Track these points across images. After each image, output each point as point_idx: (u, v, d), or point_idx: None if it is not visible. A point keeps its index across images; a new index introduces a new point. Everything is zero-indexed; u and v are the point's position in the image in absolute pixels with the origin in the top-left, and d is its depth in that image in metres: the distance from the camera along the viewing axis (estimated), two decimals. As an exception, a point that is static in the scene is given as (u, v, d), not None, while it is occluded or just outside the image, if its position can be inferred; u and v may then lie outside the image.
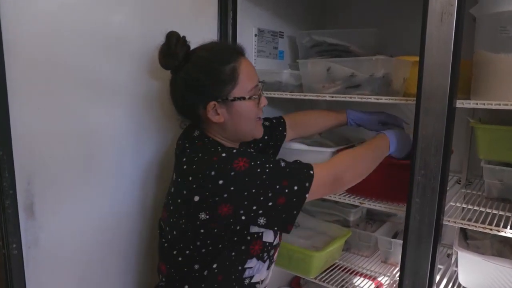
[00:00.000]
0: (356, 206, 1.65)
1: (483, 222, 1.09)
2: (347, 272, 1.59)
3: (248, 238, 1.02)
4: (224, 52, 1.03)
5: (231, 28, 1.37)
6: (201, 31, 1.30)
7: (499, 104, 0.96)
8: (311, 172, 0.98)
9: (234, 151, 0.95)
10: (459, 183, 1.53)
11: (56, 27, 0.98)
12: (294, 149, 1.44)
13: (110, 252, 1.20)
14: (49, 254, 1.03)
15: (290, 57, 1.69)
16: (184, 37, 1.02)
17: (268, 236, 1.07)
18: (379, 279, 1.58)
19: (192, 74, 1.00)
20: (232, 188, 0.91)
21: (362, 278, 1.59)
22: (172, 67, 1.02)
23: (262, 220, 0.95)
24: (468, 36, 1.04)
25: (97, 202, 1.13)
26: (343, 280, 1.53)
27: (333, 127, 1.41)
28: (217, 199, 0.92)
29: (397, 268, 1.53)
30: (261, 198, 0.93)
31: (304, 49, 1.54)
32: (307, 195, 0.97)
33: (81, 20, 1.02)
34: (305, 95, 1.36)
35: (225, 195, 0.92)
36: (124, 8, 1.10)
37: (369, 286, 1.56)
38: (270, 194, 0.93)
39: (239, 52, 1.04)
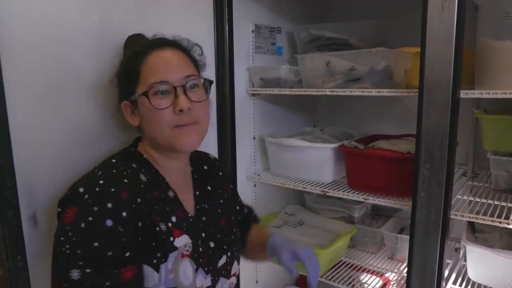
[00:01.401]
0: (361, 202, 1.62)
1: (491, 215, 1.06)
2: (353, 269, 1.56)
3: None
4: (140, 46, 0.90)
5: (227, 25, 1.34)
6: (196, 28, 1.28)
7: (505, 93, 0.94)
8: None
9: (86, 196, 0.77)
10: (465, 176, 1.50)
11: (51, 29, 0.95)
12: (295, 146, 1.42)
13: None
14: None
15: (288, 52, 1.66)
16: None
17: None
18: (386, 275, 1.56)
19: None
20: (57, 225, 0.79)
21: (369, 275, 1.56)
22: None
23: None
24: (469, 24, 1.01)
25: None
26: (350, 277, 1.51)
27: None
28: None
29: (405, 264, 1.51)
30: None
31: (303, 44, 1.52)
32: None
33: (75, 20, 0.99)
34: (305, 91, 1.34)
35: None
36: (117, 5, 1.07)
37: (377, 282, 1.54)
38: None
39: (158, 45, 0.88)
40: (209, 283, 0.91)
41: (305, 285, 1.84)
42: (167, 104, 0.84)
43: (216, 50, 1.34)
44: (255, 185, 1.59)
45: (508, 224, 1.01)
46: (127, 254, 0.78)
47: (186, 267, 0.86)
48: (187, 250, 0.87)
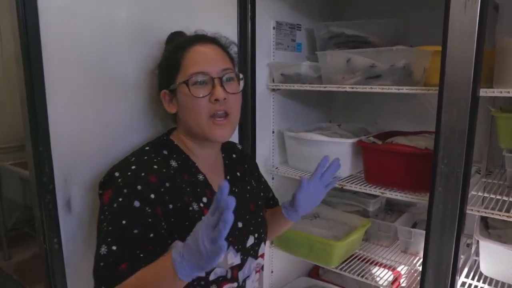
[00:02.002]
0: (375, 197, 1.66)
1: (507, 211, 1.08)
2: (367, 262, 1.60)
3: None
4: (182, 41, 0.97)
5: (250, 21, 1.38)
6: (220, 25, 1.30)
7: (525, 92, 0.96)
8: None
9: (120, 180, 0.85)
10: (479, 173, 1.52)
11: (89, 25, 0.99)
12: (314, 140, 1.45)
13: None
14: (86, 249, 1.04)
15: (307, 49, 1.69)
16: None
17: None
18: (399, 268, 1.59)
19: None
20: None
21: (382, 268, 1.60)
22: None
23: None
24: (488, 24, 1.04)
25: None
26: (363, 270, 1.54)
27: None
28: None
29: (417, 258, 1.54)
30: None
31: (322, 41, 1.55)
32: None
33: (112, 15, 1.03)
34: (325, 87, 1.37)
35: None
36: (145, 3, 1.11)
37: (389, 276, 1.57)
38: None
39: (199, 39, 0.96)
40: (239, 261, 0.97)
41: (318, 276, 1.89)
42: (205, 93, 0.90)
43: (239, 46, 1.37)
44: (273, 178, 1.63)
45: (524, 219, 1.04)
46: (151, 235, 0.83)
47: None
48: None
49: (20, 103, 0.93)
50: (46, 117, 0.93)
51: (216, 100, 0.90)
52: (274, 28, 1.51)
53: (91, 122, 1.03)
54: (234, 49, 1.02)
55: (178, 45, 0.96)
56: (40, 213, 0.95)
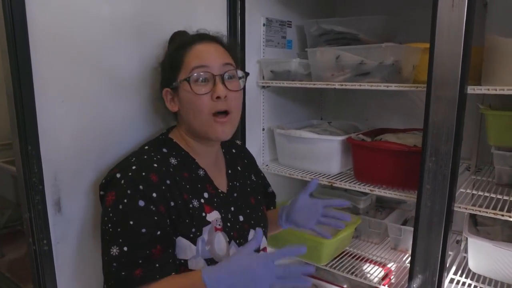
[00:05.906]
0: (365, 194, 1.66)
1: (494, 208, 1.09)
2: (357, 259, 1.60)
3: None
4: (185, 40, 0.98)
5: (240, 18, 1.37)
6: (210, 21, 1.30)
7: (512, 90, 0.96)
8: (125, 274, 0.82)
9: (122, 181, 0.86)
10: (469, 170, 1.53)
11: (77, 20, 0.97)
12: (304, 138, 1.45)
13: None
14: (76, 249, 1.04)
15: (298, 46, 1.69)
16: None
17: (198, 265, 0.91)
18: (389, 265, 1.60)
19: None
20: (102, 207, 0.90)
21: (372, 265, 1.61)
22: None
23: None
24: (476, 21, 1.04)
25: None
26: (353, 267, 1.55)
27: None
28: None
29: (407, 255, 1.55)
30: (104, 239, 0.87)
31: (312, 38, 1.54)
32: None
33: (101, 10, 1.02)
34: (314, 84, 1.37)
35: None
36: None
37: (379, 272, 1.58)
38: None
39: (201, 38, 0.97)
40: None
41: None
42: (206, 91, 0.91)
43: (228, 42, 1.37)
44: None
45: (510, 217, 1.04)
46: (158, 233, 0.85)
47: (220, 240, 0.94)
48: (219, 225, 0.95)
49: (7, 100, 0.90)
50: (35, 114, 0.91)
51: (218, 97, 0.91)
52: (264, 25, 1.50)
53: (82, 121, 1.01)
54: (237, 48, 1.05)
55: (180, 43, 0.97)
56: (29, 214, 0.93)
